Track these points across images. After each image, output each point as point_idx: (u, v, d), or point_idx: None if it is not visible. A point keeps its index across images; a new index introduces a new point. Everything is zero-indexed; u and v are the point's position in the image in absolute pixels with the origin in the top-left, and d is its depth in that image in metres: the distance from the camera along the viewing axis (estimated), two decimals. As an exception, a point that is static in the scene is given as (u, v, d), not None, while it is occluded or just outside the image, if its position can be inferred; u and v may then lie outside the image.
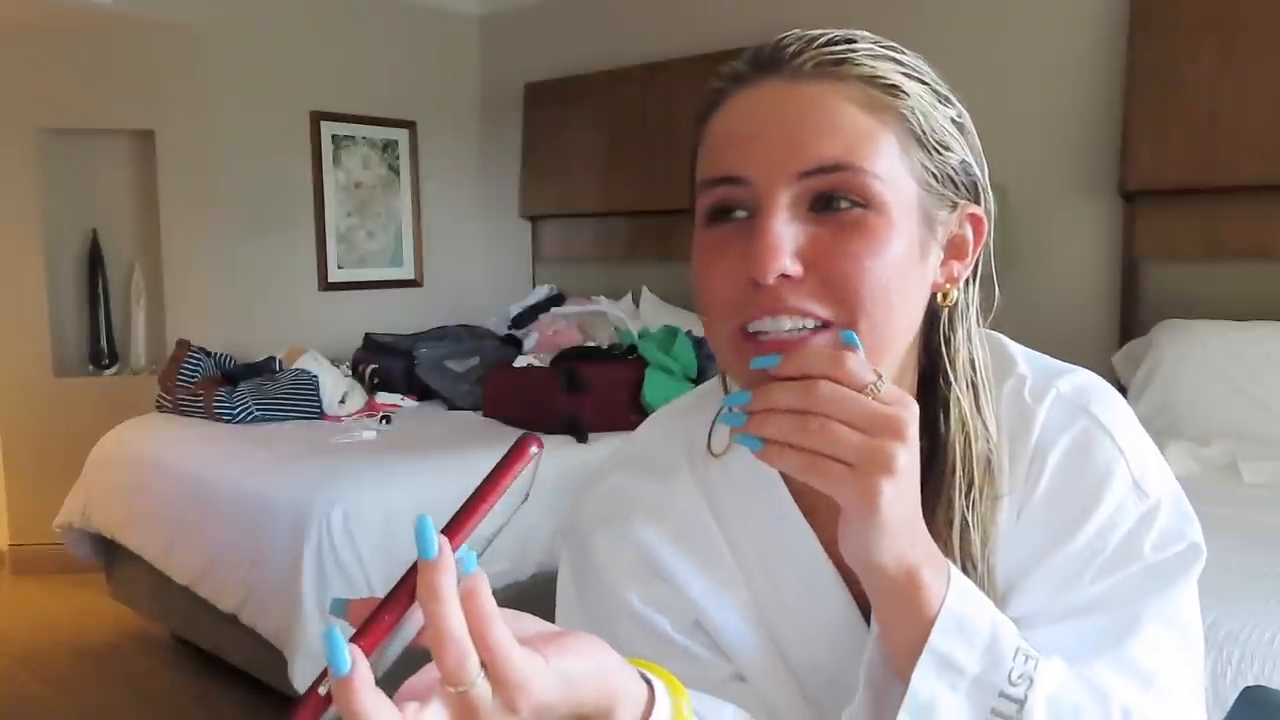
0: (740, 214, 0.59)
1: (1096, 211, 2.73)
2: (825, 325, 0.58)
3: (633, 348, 3.00)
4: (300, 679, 2.07)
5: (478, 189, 4.47)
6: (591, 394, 2.73)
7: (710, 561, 0.69)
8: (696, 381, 2.84)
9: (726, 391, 0.70)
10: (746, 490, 0.69)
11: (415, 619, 0.44)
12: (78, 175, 3.59)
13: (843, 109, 0.58)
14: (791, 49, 0.59)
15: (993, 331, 0.70)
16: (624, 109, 3.76)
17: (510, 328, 3.83)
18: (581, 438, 2.66)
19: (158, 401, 3.02)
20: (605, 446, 2.61)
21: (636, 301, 3.79)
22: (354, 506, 2.17)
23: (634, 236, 3.88)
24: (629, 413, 2.76)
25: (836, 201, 0.57)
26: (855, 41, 0.60)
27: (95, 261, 3.60)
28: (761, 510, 0.69)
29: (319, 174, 3.86)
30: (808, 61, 0.59)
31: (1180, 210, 2.56)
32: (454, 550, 0.43)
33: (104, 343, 3.61)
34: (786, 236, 0.57)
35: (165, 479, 2.59)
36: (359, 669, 0.40)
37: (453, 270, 4.37)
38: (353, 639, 0.42)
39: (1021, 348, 0.71)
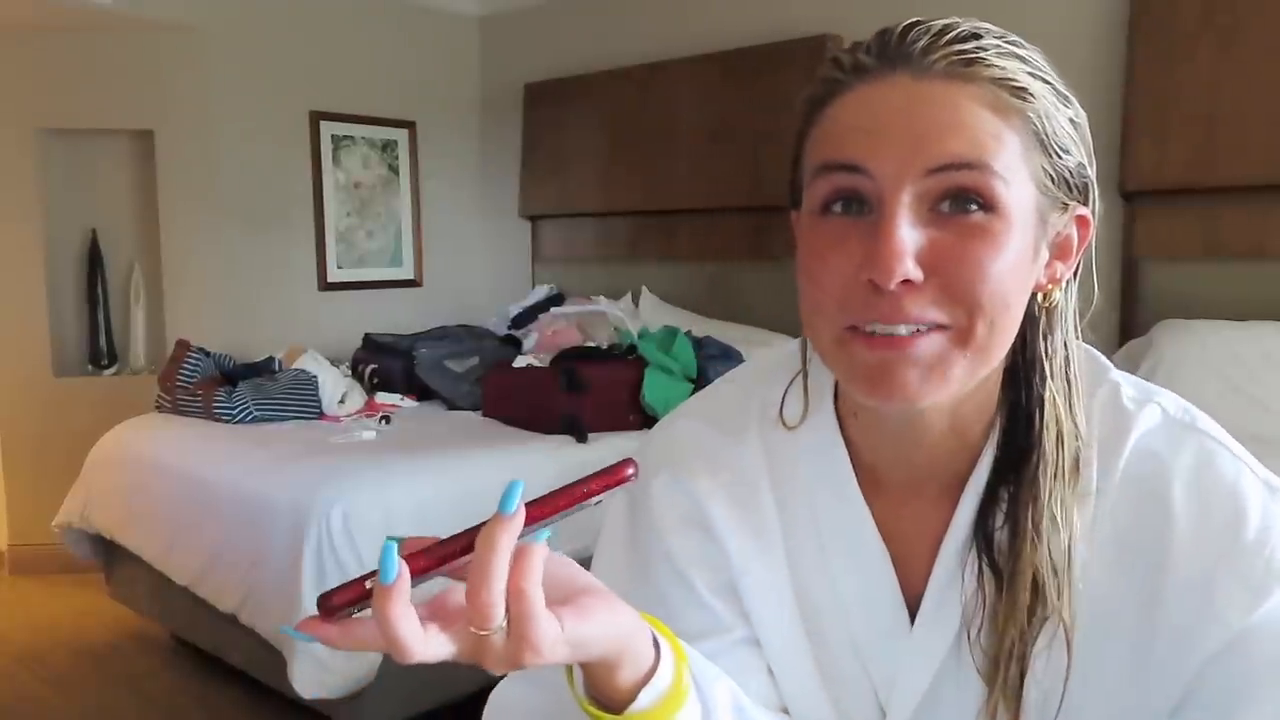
0: (857, 205, 0.59)
1: (1096, 211, 2.73)
2: (939, 328, 0.57)
3: (632, 348, 3.00)
4: (299, 679, 2.07)
5: (478, 189, 4.47)
6: (591, 394, 2.73)
7: (757, 525, 0.71)
8: (696, 381, 2.84)
9: (805, 361, 0.72)
10: (810, 461, 0.70)
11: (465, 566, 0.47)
12: (78, 175, 3.59)
13: (972, 110, 0.57)
14: (921, 45, 0.58)
15: (1084, 344, 0.69)
16: (624, 109, 3.76)
17: (510, 328, 3.83)
18: (581, 438, 2.66)
19: (157, 401, 3.02)
20: (605, 446, 2.61)
21: (636, 301, 3.79)
22: (354, 507, 2.17)
23: (634, 236, 3.87)
24: (629, 413, 2.76)
25: (961, 203, 0.57)
26: (982, 38, 0.59)
27: (95, 261, 3.60)
28: (822, 482, 0.70)
29: (319, 174, 3.86)
30: (939, 60, 0.57)
31: (1180, 210, 2.56)
32: (526, 524, 0.47)
33: (103, 343, 3.61)
34: (910, 240, 0.56)
35: (165, 479, 2.59)
36: (400, 581, 0.45)
37: (453, 270, 4.37)
38: (405, 556, 0.46)
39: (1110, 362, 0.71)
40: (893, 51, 0.59)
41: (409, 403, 3.20)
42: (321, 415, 2.98)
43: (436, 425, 2.90)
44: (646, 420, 2.75)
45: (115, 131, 3.56)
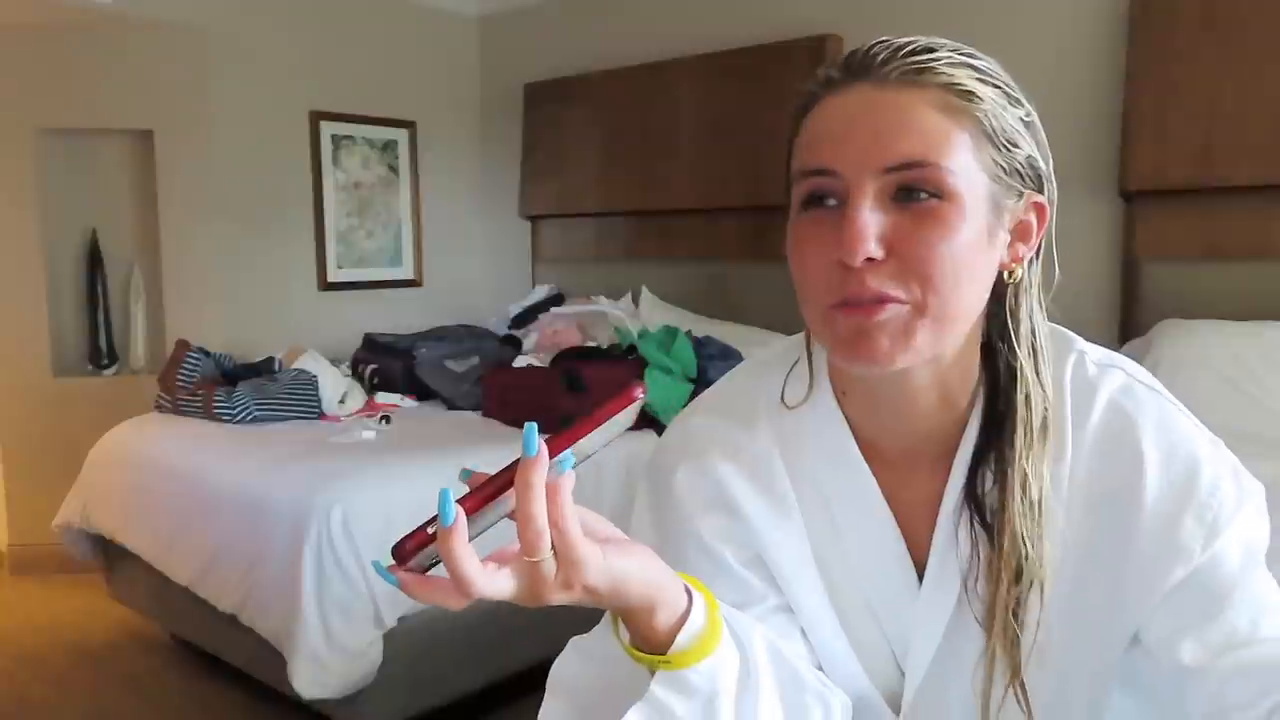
0: (831, 202, 0.67)
1: (1096, 211, 2.73)
2: (899, 302, 0.65)
3: (632, 348, 3.00)
4: (299, 680, 2.07)
5: (478, 189, 4.47)
6: (591, 394, 2.73)
7: (776, 500, 0.77)
8: (696, 381, 2.84)
9: (810, 350, 0.79)
10: (817, 439, 0.77)
11: (511, 500, 0.55)
12: (78, 175, 3.59)
13: (923, 112, 0.65)
14: (880, 57, 0.67)
15: (1052, 324, 0.77)
16: (624, 109, 3.76)
17: (510, 328, 3.83)
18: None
19: (157, 401, 3.02)
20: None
21: (636, 301, 3.79)
22: (353, 507, 2.17)
23: (634, 236, 3.88)
24: (629, 413, 2.76)
25: (916, 193, 0.65)
26: (936, 50, 0.67)
27: (95, 261, 3.60)
28: (830, 458, 0.77)
29: (319, 174, 3.86)
30: (894, 70, 0.66)
31: (1180, 210, 2.56)
32: (552, 456, 0.55)
33: (103, 343, 3.61)
34: (871, 224, 0.64)
35: (165, 479, 2.59)
36: (459, 522, 0.53)
37: (453, 270, 4.37)
38: (458, 500, 0.54)
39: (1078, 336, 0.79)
40: (856, 65, 0.68)
41: (409, 403, 3.20)
42: (321, 415, 2.98)
43: (436, 425, 2.90)
44: (647, 420, 2.75)
45: (115, 131, 3.56)
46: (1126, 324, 2.67)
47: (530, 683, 2.48)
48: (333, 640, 2.09)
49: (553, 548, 0.55)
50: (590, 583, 0.57)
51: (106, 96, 3.45)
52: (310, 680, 2.08)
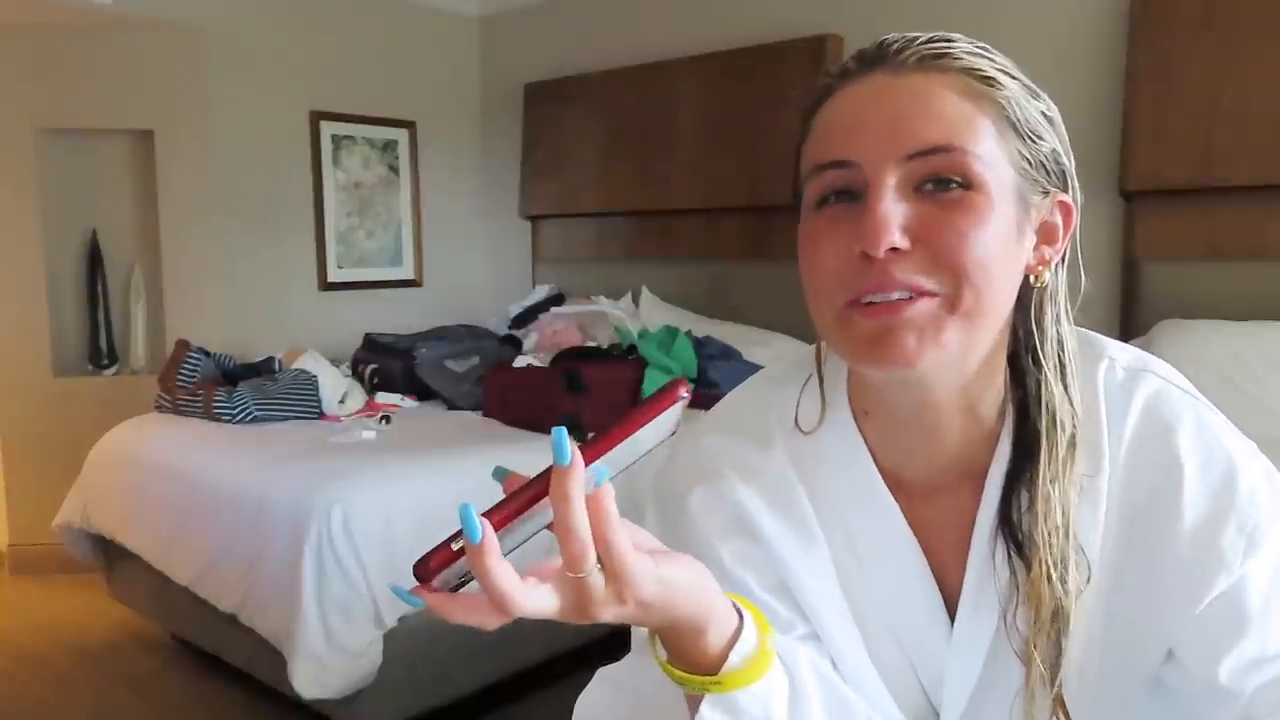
0: (849, 196, 0.62)
1: (1096, 211, 2.73)
2: (929, 295, 0.61)
3: (632, 348, 3.00)
4: (299, 679, 2.07)
5: (478, 189, 4.47)
6: (591, 394, 2.73)
7: (797, 523, 0.72)
8: (696, 381, 2.84)
9: (820, 363, 0.74)
10: (836, 463, 0.72)
11: (549, 512, 0.50)
12: (78, 175, 3.59)
13: (944, 96, 0.61)
14: (896, 45, 0.64)
15: (1077, 327, 0.72)
16: (624, 109, 3.76)
17: (510, 328, 3.83)
18: (581, 438, 2.64)
19: (157, 401, 3.02)
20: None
21: (636, 301, 3.79)
22: (353, 507, 2.17)
23: (634, 236, 3.88)
24: (629, 413, 2.75)
25: (943, 181, 0.60)
26: (953, 40, 0.64)
27: (95, 261, 3.60)
28: (850, 483, 0.72)
29: (319, 174, 3.86)
30: (911, 56, 0.62)
31: (1180, 210, 2.56)
32: (588, 465, 0.49)
33: (104, 343, 3.61)
34: (895, 212, 0.60)
35: (165, 479, 2.59)
36: (488, 538, 0.47)
37: (453, 270, 4.37)
38: (484, 514, 0.48)
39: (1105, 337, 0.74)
40: (871, 55, 0.64)
41: (409, 403, 3.20)
42: (321, 415, 2.97)
43: (436, 425, 2.90)
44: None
45: (115, 131, 3.56)
46: (1126, 324, 2.67)
47: (530, 683, 2.49)
48: (333, 640, 2.08)
49: (599, 562, 0.50)
50: (644, 596, 0.51)
51: (106, 96, 3.45)
52: (310, 680, 2.08)
